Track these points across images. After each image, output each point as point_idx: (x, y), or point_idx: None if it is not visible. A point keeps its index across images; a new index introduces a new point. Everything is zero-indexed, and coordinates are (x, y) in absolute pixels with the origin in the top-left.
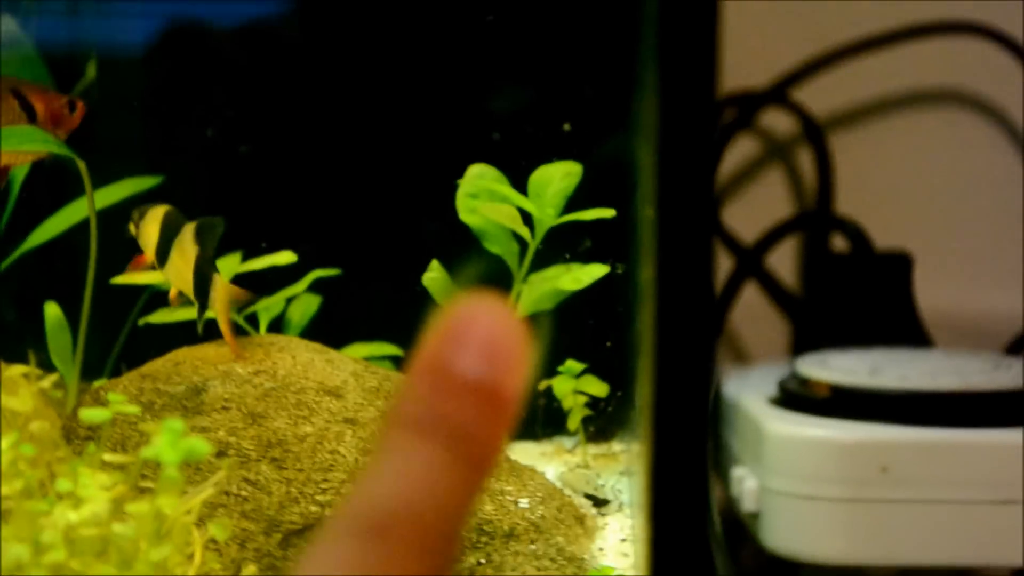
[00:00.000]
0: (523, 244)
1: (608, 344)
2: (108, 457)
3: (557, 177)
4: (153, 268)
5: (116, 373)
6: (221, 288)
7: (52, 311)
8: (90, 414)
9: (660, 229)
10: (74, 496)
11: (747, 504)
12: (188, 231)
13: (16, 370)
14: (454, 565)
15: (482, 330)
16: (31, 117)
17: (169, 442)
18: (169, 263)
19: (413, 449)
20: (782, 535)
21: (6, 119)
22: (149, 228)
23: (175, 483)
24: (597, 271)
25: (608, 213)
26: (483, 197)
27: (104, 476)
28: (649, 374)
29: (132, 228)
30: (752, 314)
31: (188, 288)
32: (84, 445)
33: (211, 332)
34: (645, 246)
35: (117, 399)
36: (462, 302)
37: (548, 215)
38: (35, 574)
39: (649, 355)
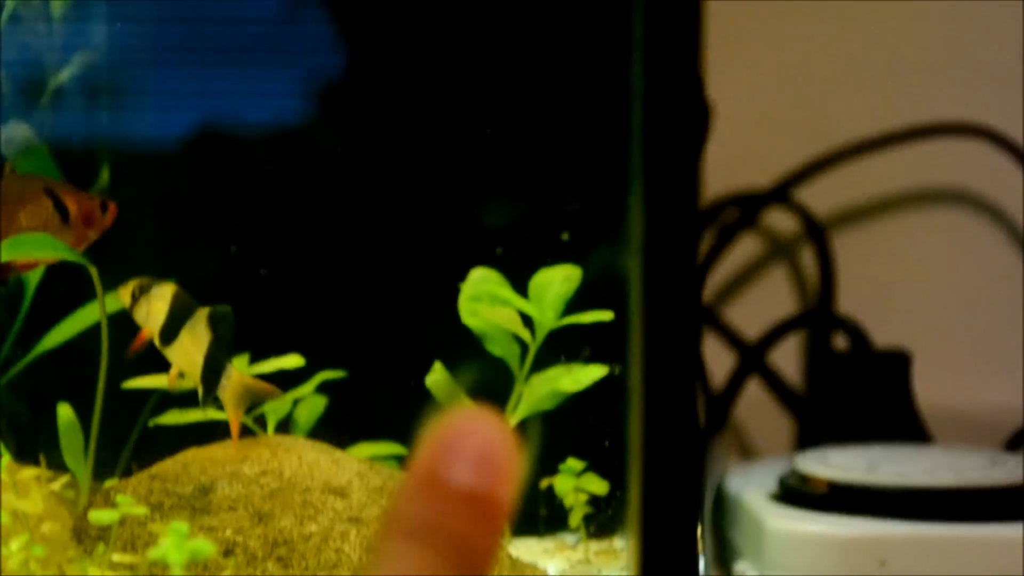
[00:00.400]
0: (524, 346)
1: (606, 443)
2: (117, 558)
3: (557, 281)
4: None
5: (127, 473)
6: (236, 379)
7: (65, 412)
8: (99, 515)
9: (647, 332)
10: None
11: None
12: (202, 315)
13: (28, 473)
14: None
15: (475, 440)
16: (64, 217)
17: (175, 544)
18: (177, 344)
19: (408, 555)
20: None
21: (39, 219)
22: (156, 305)
23: None
24: (596, 372)
25: (606, 316)
26: (485, 300)
27: None
28: (638, 473)
29: (126, 299)
30: (756, 410)
31: (195, 372)
32: (95, 545)
33: (219, 432)
34: (634, 347)
35: (125, 501)
36: (456, 412)
37: (548, 318)
38: None
39: (638, 455)
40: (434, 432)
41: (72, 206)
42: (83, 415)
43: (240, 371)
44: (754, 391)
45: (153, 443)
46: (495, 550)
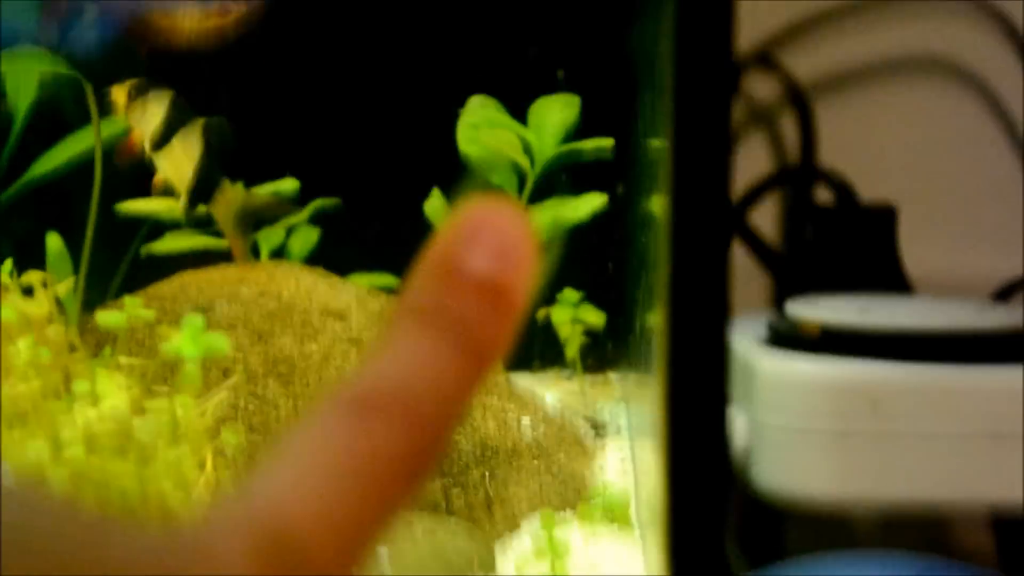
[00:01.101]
0: (522, 176)
1: (608, 271)
2: (124, 360)
3: (556, 108)
4: (141, 152)
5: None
6: (232, 194)
7: (54, 241)
8: (107, 317)
9: (676, 165)
10: (92, 396)
11: (738, 440)
12: (198, 125)
13: (35, 275)
14: (440, 459)
15: (496, 229)
16: None
17: (190, 337)
18: (168, 151)
19: (417, 337)
20: (772, 472)
21: None
22: (151, 108)
23: (194, 379)
24: (596, 201)
25: (607, 143)
26: (484, 127)
27: (121, 377)
28: (665, 308)
29: (121, 98)
30: (737, 271)
31: (182, 182)
32: (99, 351)
33: (215, 257)
34: (657, 179)
35: (133, 303)
36: (478, 201)
37: (548, 145)
38: (55, 471)
39: (664, 291)
40: (455, 218)
41: None
42: (75, 246)
43: (237, 186)
44: (735, 252)
45: (143, 275)
46: (505, 344)
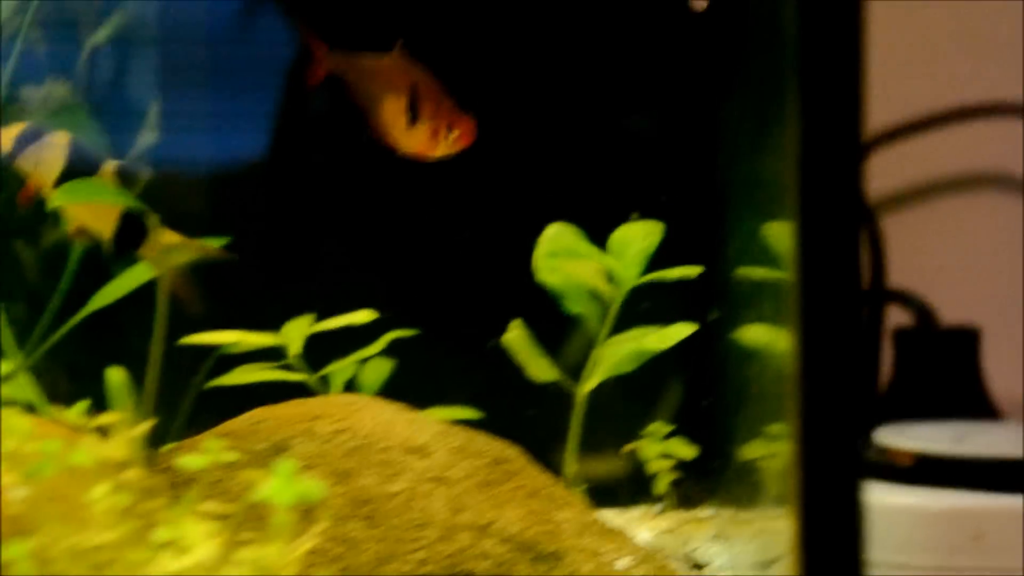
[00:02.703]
0: (605, 304)
1: (699, 403)
2: (208, 506)
3: (639, 236)
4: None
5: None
6: (162, 237)
7: (116, 376)
8: (189, 461)
9: (805, 301)
10: (176, 545)
11: None
12: (110, 167)
13: (111, 417)
14: None
15: None
16: (412, 118)
17: (282, 483)
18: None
19: None
20: None
21: (392, 110)
22: (51, 154)
23: (287, 528)
24: (684, 330)
25: (693, 270)
26: (563, 255)
27: (207, 524)
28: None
29: (6, 145)
30: None
31: (105, 227)
32: (178, 494)
33: (288, 392)
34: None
35: (215, 446)
36: None
37: (631, 273)
38: None
39: (795, 413)
40: None
41: (426, 111)
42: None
43: (166, 230)
44: None
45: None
46: None
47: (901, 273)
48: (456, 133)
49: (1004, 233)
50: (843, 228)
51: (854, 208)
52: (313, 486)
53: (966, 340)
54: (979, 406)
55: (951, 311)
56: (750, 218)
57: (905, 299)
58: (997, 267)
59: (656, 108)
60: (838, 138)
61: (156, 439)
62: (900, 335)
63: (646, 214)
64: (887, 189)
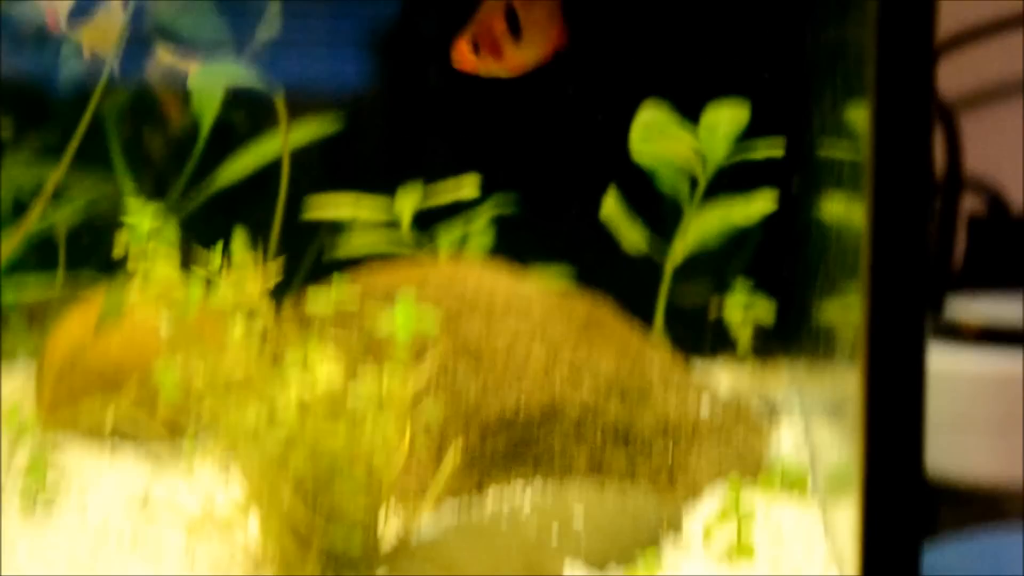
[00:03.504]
0: (694, 178)
1: (780, 264)
2: (333, 332)
3: (727, 113)
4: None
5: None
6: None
7: (240, 239)
8: (316, 303)
9: (878, 163)
10: (305, 363)
11: None
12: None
13: (247, 258)
14: None
15: None
16: (515, 33)
17: (403, 309)
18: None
19: None
20: (936, 457)
21: (496, 29)
22: (108, 20)
23: (405, 347)
24: (766, 202)
25: (778, 151)
26: (656, 132)
27: (331, 349)
28: (865, 296)
29: None
30: None
31: (109, 46)
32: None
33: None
34: (843, 174)
35: (340, 291)
36: None
37: (719, 148)
38: (271, 433)
39: (866, 277)
40: None
41: (525, 19)
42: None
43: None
44: None
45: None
46: None
47: (977, 164)
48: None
49: None
50: (916, 110)
51: (927, 92)
52: (429, 312)
53: None
54: None
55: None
56: (831, 94)
57: (979, 188)
58: None
59: None
60: (913, 26)
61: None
62: (973, 222)
63: (736, 92)
64: (964, 87)
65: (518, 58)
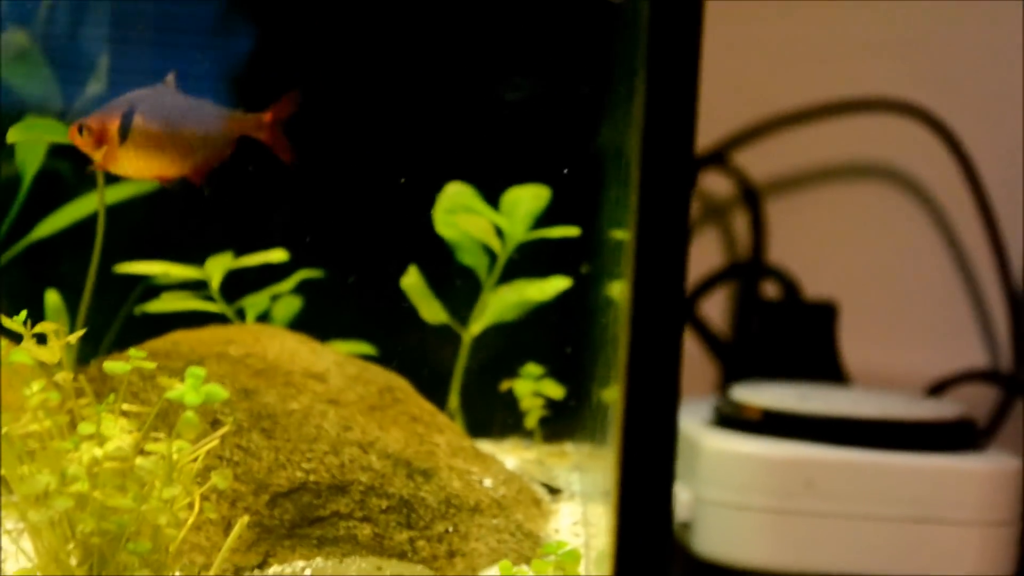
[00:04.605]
0: (493, 258)
1: (569, 348)
2: (127, 406)
3: (528, 198)
4: None
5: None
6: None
7: (52, 298)
8: (113, 366)
9: (638, 254)
10: (98, 437)
11: (681, 515)
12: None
13: (49, 325)
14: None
15: None
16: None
17: (192, 385)
18: None
19: None
20: (714, 541)
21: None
22: None
23: (194, 425)
24: (561, 283)
25: (573, 231)
26: (460, 212)
27: (124, 422)
28: (622, 385)
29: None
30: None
31: None
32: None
33: (207, 321)
34: (621, 259)
35: (137, 355)
36: None
37: (519, 230)
38: (60, 502)
39: (622, 369)
40: None
41: (141, 131)
42: (73, 304)
43: None
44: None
45: (134, 333)
46: None
47: (779, 249)
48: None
49: (872, 219)
50: (674, 195)
51: (685, 186)
52: (217, 389)
53: (825, 313)
54: (833, 373)
55: (820, 286)
56: (618, 186)
57: (775, 273)
58: (859, 249)
59: (552, 87)
60: (673, 131)
61: (85, 358)
62: (766, 306)
63: (536, 179)
64: (771, 173)
65: (120, 160)
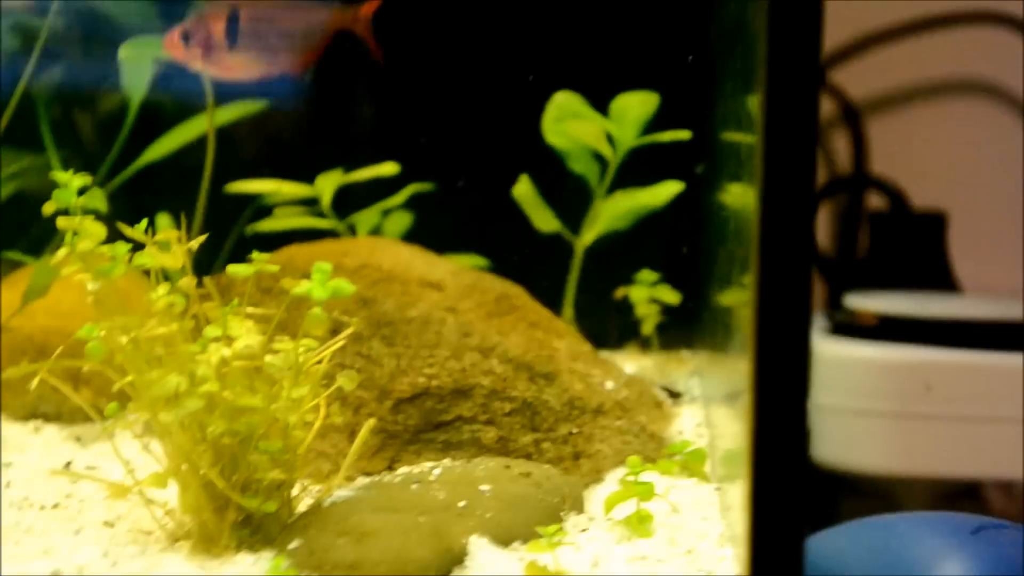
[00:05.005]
0: (604, 164)
1: (684, 254)
2: (252, 308)
3: (636, 103)
4: None
5: None
6: None
7: (163, 221)
8: (237, 268)
9: (767, 157)
10: (225, 339)
11: None
12: None
13: (171, 232)
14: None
15: None
16: None
17: (319, 280)
18: None
19: None
20: (833, 448)
21: None
22: None
23: (321, 321)
24: (673, 188)
25: (684, 134)
26: (568, 119)
27: (250, 323)
28: (754, 277)
29: None
30: None
31: None
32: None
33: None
34: (742, 161)
35: (260, 257)
36: None
37: (628, 136)
38: (190, 403)
39: (754, 261)
40: None
41: (249, 32)
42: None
43: None
44: None
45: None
46: None
47: (881, 165)
48: None
49: (975, 133)
50: (804, 99)
51: (814, 83)
52: (344, 284)
53: (934, 223)
54: (943, 282)
55: (923, 198)
56: (733, 87)
57: (879, 185)
58: (967, 162)
59: None
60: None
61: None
62: (873, 218)
63: (645, 84)
64: (871, 91)
65: (228, 63)
